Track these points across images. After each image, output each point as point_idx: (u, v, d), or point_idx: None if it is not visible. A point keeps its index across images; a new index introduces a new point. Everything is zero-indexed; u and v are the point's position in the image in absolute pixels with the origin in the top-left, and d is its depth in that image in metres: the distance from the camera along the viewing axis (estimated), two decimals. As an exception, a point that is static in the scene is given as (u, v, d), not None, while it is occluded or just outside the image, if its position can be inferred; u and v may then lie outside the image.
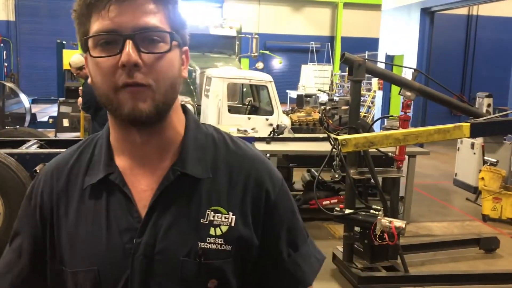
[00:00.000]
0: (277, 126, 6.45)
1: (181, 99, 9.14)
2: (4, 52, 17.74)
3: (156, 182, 0.94)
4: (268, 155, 5.30)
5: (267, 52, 20.37)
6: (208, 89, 7.95)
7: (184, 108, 1.02)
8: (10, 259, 1.03)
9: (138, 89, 0.86)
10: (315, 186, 4.01)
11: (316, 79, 17.79)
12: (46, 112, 13.97)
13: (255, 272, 1.00)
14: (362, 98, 17.18)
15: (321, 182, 6.01)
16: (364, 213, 3.94)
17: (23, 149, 5.02)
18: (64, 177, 1.00)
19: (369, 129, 4.64)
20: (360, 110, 16.06)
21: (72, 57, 5.92)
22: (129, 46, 0.85)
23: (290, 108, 9.40)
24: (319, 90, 10.51)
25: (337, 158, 3.06)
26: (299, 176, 6.59)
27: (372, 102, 14.47)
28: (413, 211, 6.08)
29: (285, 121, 7.86)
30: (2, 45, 18.02)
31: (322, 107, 4.26)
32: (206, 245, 0.92)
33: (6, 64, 17.97)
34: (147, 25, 0.86)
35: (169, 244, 0.91)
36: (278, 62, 21.31)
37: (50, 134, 10.82)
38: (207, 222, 0.93)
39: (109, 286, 0.93)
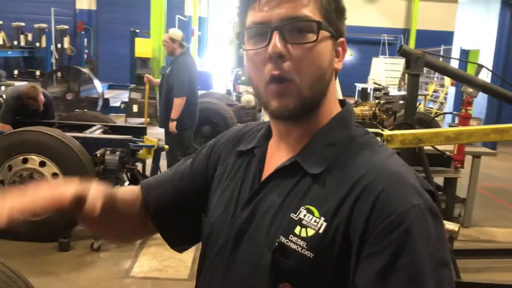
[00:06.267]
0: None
1: (247, 89, 9.20)
2: (85, 40, 18.79)
3: None
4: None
5: (337, 44, 19.99)
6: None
7: (343, 104, 0.98)
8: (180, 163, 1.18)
9: (283, 87, 0.86)
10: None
11: (387, 72, 17.25)
12: (120, 97, 14.60)
13: None
14: (434, 94, 16.50)
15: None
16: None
17: (87, 134, 5.29)
18: (236, 139, 1.09)
19: (429, 124, 4.44)
20: (431, 106, 15.40)
21: (174, 29, 6.02)
22: (275, 38, 0.85)
23: (354, 101, 9.18)
24: (374, 83, 10.14)
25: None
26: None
27: (445, 98, 13.84)
28: (476, 215, 5.77)
29: (347, 114, 7.70)
30: (83, 32, 19.10)
31: (376, 101, 4.12)
32: (286, 242, 0.84)
33: (86, 51, 19.00)
34: (296, 15, 0.85)
35: (261, 226, 0.90)
36: (348, 55, 20.90)
37: (121, 119, 11.37)
38: (296, 218, 0.85)
39: (212, 242, 0.99)
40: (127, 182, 5.63)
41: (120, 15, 20.85)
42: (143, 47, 10.92)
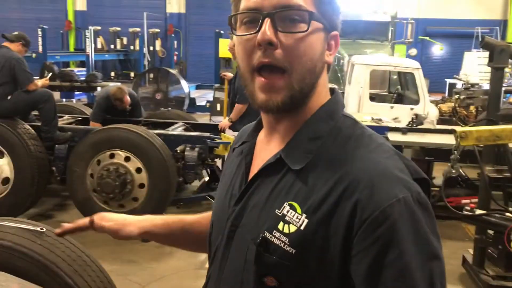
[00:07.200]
0: (416, 116, 6.10)
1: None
2: (175, 42, 19.61)
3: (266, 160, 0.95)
4: (402, 146, 5.07)
5: (427, 38, 19.17)
6: (351, 76, 7.85)
7: (332, 92, 0.97)
8: None
9: (272, 80, 0.86)
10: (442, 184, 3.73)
11: (481, 67, 16.22)
12: (206, 97, 15.07)
13: None
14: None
15: (463, 179, 5.55)
16: (498, 215, 3.59)
17: (169, 131, 5.56)
18: (238, 138, 1.12)
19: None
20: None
21: None
22: (266, 25, 0.85)
23: (441, 97, 8.75)
24: (454, 77, 9.56)
25: (455, 151, 2.80)
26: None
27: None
28: None
29: (432, 111, 7.38)
30: (173, 35, 19.94)
31: (456, 97, 3.92)
32: (270, 237, 0.86)
33: (176, 53, 19.82)
34: (289, 4, 0.85)
35: (249, 221, 0.92)
36: (439, 49, 19.94)
37: (206, 117, 11.76)
38: (280, 214, 0.86)
39: (213, 240, 1.03)
40: (207, 178, 5.85)
41: (208, 16, 21.47)
42: (226, 48, 11.18)
